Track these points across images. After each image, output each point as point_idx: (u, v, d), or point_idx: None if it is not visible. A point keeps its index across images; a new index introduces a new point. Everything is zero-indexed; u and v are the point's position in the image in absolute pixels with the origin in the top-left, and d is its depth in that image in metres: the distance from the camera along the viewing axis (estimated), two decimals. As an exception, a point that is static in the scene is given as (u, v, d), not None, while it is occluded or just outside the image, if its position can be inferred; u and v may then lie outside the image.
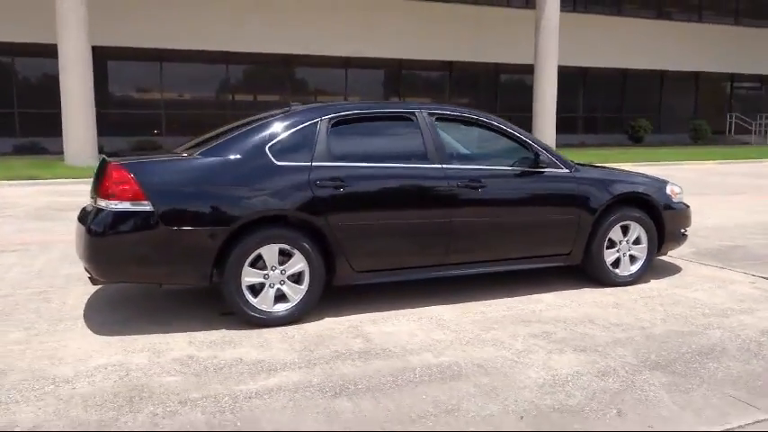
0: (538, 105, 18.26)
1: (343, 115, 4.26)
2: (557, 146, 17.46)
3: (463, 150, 4.51)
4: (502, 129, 4.68)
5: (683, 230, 5.21)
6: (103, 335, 3.80)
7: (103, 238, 3.71)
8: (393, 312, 4.24)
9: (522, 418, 2.72)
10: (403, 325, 4.00)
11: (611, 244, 4.87)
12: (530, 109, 18.83)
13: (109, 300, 4.56)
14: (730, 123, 28.11)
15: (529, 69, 20.06)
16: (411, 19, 21.82)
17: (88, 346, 3.62)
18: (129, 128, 18.98)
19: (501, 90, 24.46)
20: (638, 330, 3.87)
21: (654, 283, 4.99)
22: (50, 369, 3.27)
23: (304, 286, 4.00)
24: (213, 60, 20.48)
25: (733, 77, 28.91)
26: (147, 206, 3.69)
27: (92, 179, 4.28)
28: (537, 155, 4.64)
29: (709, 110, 28.21)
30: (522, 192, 4.60)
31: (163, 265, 3.81)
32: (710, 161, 17.92)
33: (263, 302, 3.93)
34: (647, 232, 4.96)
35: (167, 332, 3.83)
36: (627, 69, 26.21)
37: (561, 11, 18.20)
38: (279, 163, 3.98)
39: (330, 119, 4.20)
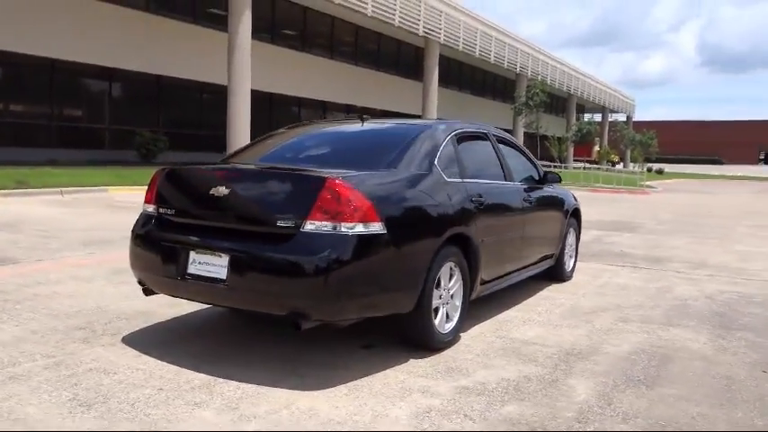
0: (233, 126, 18.38)
1: (459, 132, 4.34)
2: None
3: (512, 168, 5.00)
4: (521, 149, 5.37)
5: (575, 233, 6.74)
6: (326, 387, 3.14)
7: (338, 269, 3.05)
8: (492, 320, 4.51)
9: (764, 371, 3.61)
10: (532, 329, 4.34)
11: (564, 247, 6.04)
12: (197, 125, 20.02)
13: (225, 349, 3.56)
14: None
15: (200, 87, 20.01)
16: (69, 16, 19.13)
17: (358, 401, 3.00)
18: None
19: (166, 104, 23.33)
20: (662, 309, 5.09)
21: (580, 277, 6.34)
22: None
23: (459, 303, 3.98)
24: None
25: (348, 108, 33.83)
26: (378, 228, 3.20)
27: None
28: (543, 173, 5.47)
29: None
30: (543, 204, 5.37)
31: (389, 293, 3.34)
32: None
33: (441, 325, 3.78)
34: (575, 236, 6.31)
35: (367, 373, 3.36)
36: (272, 93, 28.12)
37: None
38: (448, 179, 3.89)
39: (455, 135, 4.24)
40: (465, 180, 4.10)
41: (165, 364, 3.41)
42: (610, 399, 3.12)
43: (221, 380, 3.20)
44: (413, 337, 3.68)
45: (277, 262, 3.11)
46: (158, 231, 3.57)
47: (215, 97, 23.00)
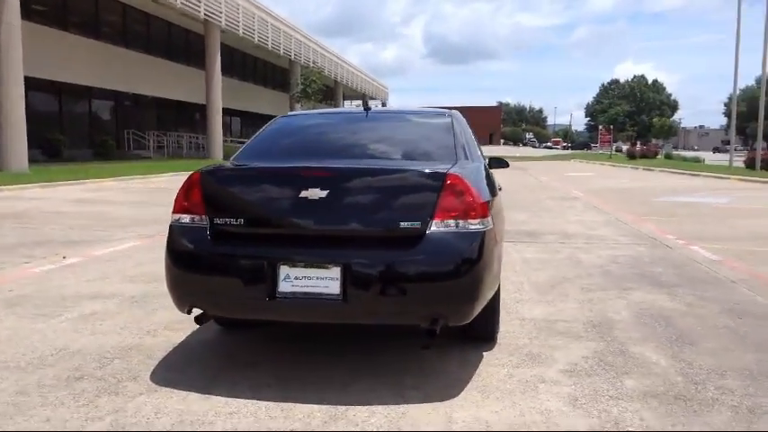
0: (3, 118, 15.54)
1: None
2: None
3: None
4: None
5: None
6: (456, 395, 2.99)
7: (473, 269, 2.91)
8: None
9: (740, 318, 4.32)
10: (535, 307, 4.58)
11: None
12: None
13: (287, 372, 3.13)
14: (128, 139, 29.89)
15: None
16: None
17: (504, 403, 2.90)
18: None
19: None
20: (598, 276, 5.70)
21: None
22: None
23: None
24: None
25: (117, 95, 30.67)
26: (490, 222, 3.11)
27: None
28: (489, 158, 5.70)
29: (107, 126, 29.17)
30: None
31: (494, 287, 3.28)
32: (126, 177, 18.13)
33: (495, 318, 3.81)
34: (493, 217, 6.72)
35: (471, 374, 3.31)
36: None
37: None
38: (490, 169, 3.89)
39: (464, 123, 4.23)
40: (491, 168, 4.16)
41: (251, 401, 2.91)
42: (685, 360, 3.48)
43: (342, 407, 2.84)
44: (482, 328, 3.63)
45: (408, 268, 2.84)
46: (220, 246, 2.98)
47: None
